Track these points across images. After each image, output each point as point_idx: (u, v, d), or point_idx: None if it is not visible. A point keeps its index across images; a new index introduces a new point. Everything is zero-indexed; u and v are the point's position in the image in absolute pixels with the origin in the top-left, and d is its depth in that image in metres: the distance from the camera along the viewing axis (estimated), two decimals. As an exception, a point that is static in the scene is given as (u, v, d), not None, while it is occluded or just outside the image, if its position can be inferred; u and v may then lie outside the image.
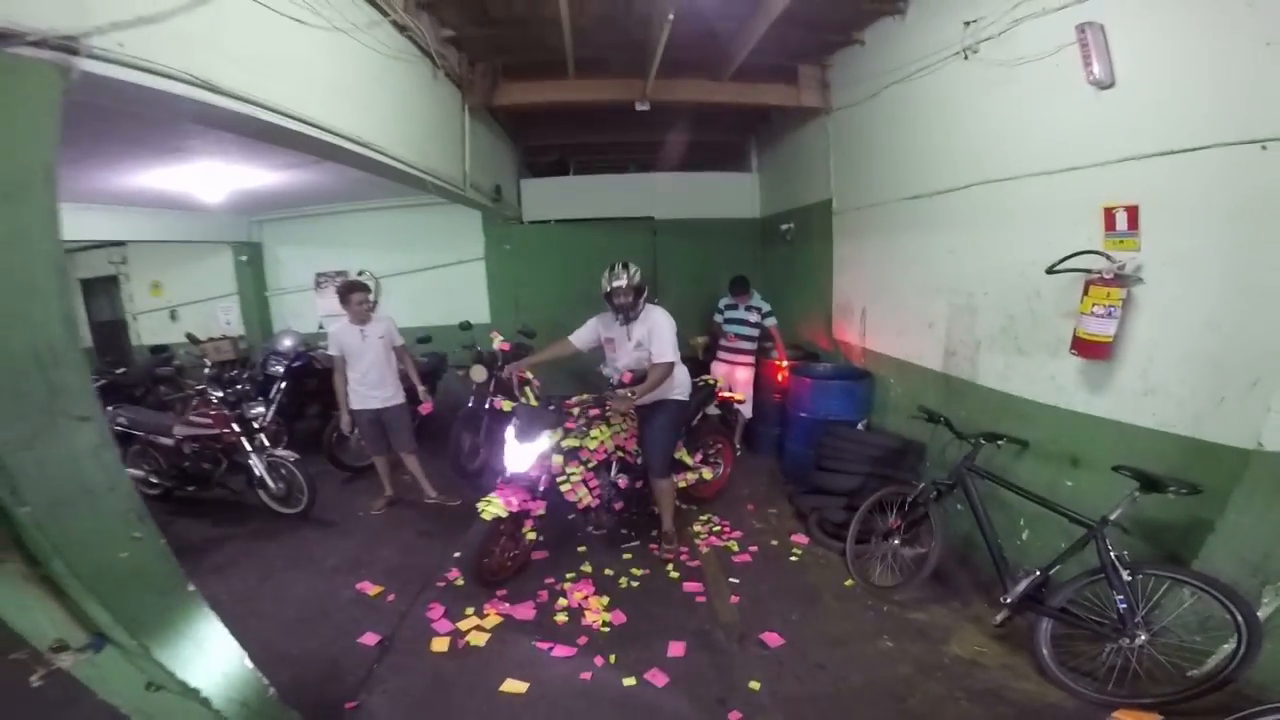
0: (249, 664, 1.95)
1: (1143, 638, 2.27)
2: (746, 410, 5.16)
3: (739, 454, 5.02)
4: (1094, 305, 2.45)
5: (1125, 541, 2.38)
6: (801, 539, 3.83)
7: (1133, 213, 2.42)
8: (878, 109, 4.27)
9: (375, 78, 3.26)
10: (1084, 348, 2.53)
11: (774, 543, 3.81)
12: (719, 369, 5.20)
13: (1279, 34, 1.94)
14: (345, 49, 2.89)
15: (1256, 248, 2.06)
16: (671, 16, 3.37)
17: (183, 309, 8.04)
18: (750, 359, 5.22)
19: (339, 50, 2.84)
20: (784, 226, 6.19)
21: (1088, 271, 2.53)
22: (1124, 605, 2.27)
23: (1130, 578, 2.26)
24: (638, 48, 4.29)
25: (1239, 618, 2.05)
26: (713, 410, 4.50)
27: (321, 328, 6.58)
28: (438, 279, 7.30)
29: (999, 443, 2.91)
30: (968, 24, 3.19)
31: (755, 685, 2.55)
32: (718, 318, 5.39)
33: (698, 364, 5.38)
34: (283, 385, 5.12)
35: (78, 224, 5.85)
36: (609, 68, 4.83)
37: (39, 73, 1.37)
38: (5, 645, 1.50)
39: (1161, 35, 2.32)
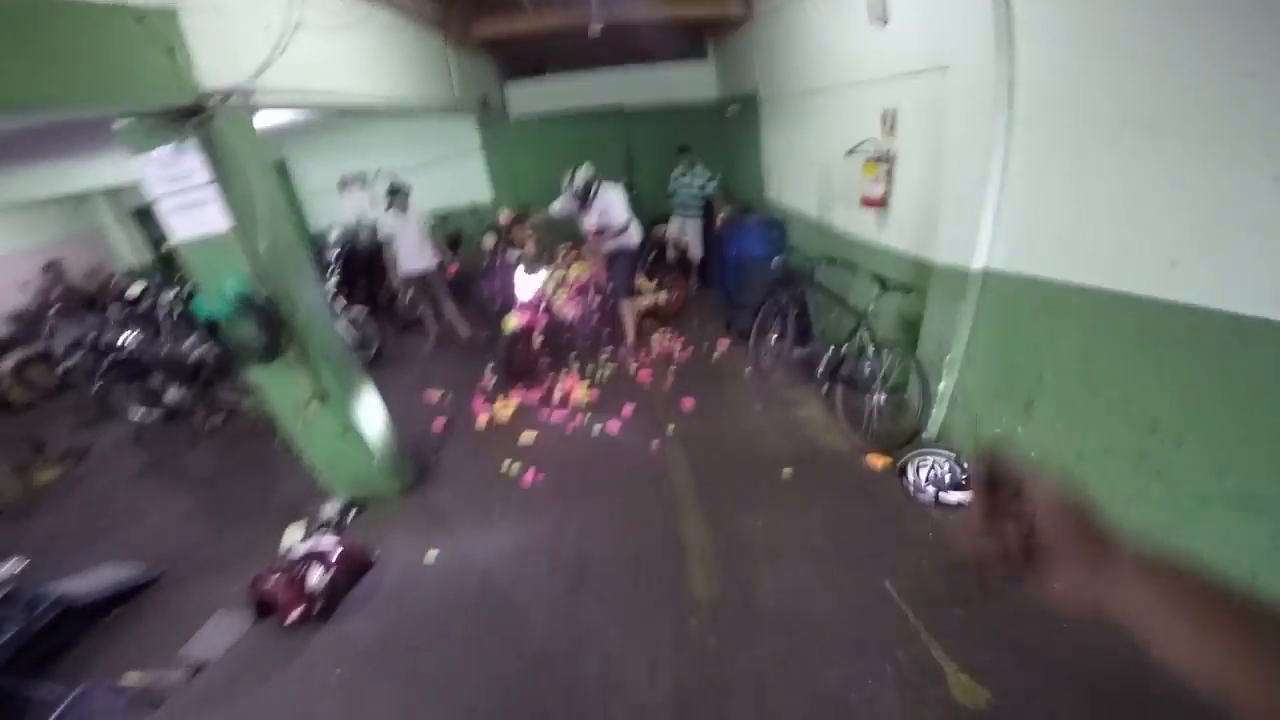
0: (387, 420, 3.70)
1: (881, 396, 3.65)
2: (696, 252, 6.64)
3: (694, 287, 6.57)
4: (869, 175, 3.75)
5: (889, 329, 3.82)
6: (724, 344, 5.43)
7: (894, 115, 3.61)
8: (780, 20, 5.23)
9: (382, 47, 4.46)
10: (867, 202, 3.87)
11: (705, 347, 5.45)
12: (674, 223, 6.58)
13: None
14: (359, 37, 4.03)
15: (938, 138, 3.21)
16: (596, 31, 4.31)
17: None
18: (698, 214, 6.56)
19: (356, 39, 3.99)
20: (729, 109, 7.19)
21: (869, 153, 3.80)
22: (869, 371, 3.70)
23: (874, 351, 3.69)
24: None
25: (921, 383, 3.42)
26: (671, 253, 6.03)
27: (359, 221, 7.87)
28: (446, 169, 8.44)
29: (835, 263, 4.29)
30: None
31: (671, 428, 4.23)
32: (672, 185, 6.65)
33: (658, 221, 6.77)
34: (338, 265, 6.66)
35: (127, 167, 6.92)
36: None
37: (246, 112, 2.77)
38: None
39: None
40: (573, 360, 5.33)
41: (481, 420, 4.66)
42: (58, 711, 2.47)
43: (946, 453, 3.26)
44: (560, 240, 5.54)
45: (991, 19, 2.69)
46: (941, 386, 3.45)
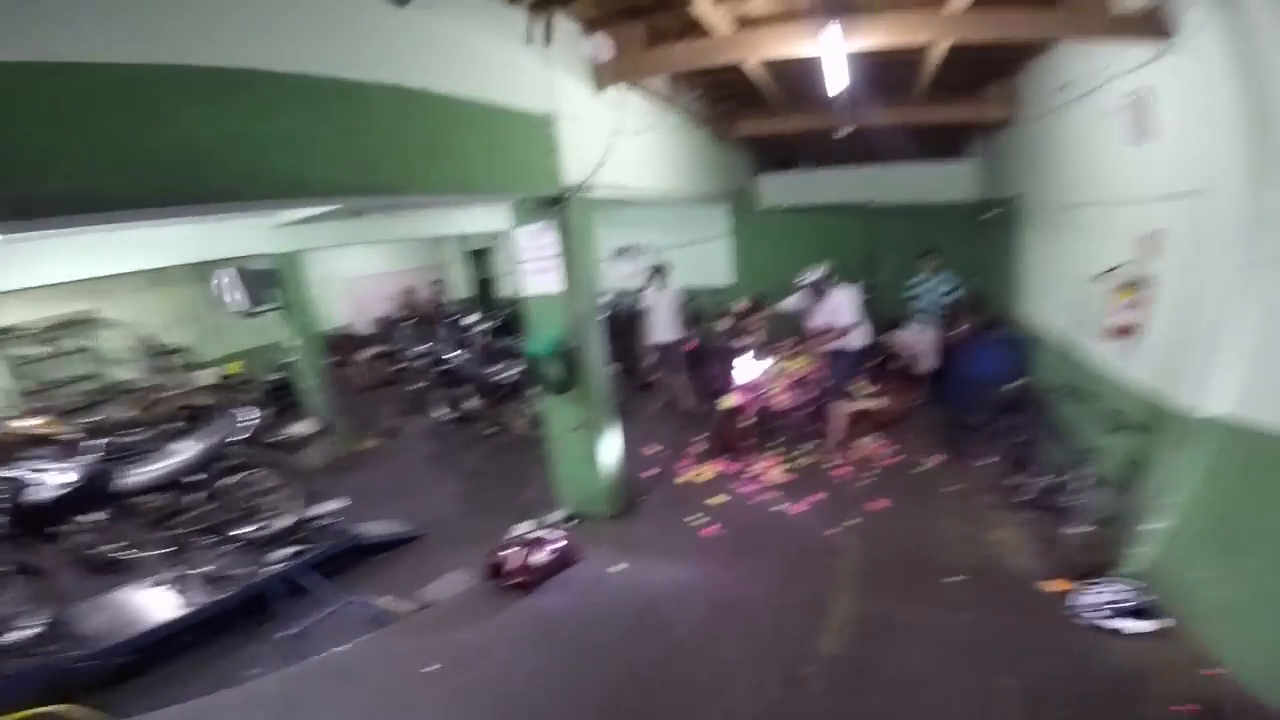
0: (619, 458, 4.59)
1: (1085, 528, 3.47)
2: (928, 363, 6.55)
3: (921, 399, 6.47)
4: (1120, 303, 3.63)
5: (1114, 465, 3.55)
6: (936, 459, 5.31)
7: (1153, 240, 3.46)
8: (1042, 129, 5.23)
9: (669, 146, 5.72)
10: (1116, 331, 3.71)
11: (915, 458, 5.40)
12: (908, 330, 6.64)
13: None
14: (654, 138, 5.29)
15: (1191, 270, 3.10)
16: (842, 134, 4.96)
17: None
18: (937, 322, 6.53)
19: (652, 140, 5.24)
20: (989, 214, 7.06)
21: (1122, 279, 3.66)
22: (1079, 502, 3.52)
23: (1090, 485, 3.50)
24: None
25: (1130, 521, 3.21)
26: (896, 362, 6.15)
27: (623, 288, 9.36)
28: (696, 251, 9.45)
29: (1070, 394, 4.09)
30: (1061, 87, 4.22)
31: (853, 521, 4.38)
32: (913, 289, 6.78)
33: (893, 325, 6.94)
34: (604, 326, 8.10)
35: (472, 220, 9.13)
36: (813, 105, 6.09)
37: (589, 201, 4.03)
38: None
39: (1177, 107, 3.21)
40: (777, 444, 5.72)
41: (683, 477, 5.33)
42: (329, 608, 3.65)
43: (1131, 583, 3.12)
44: (787, 334, 6.05)
45: (1247, 146, 2.66)
46: (1152, 526, 3.19)
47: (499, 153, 3.50)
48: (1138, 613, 3.02)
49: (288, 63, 2.36)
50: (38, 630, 3.42)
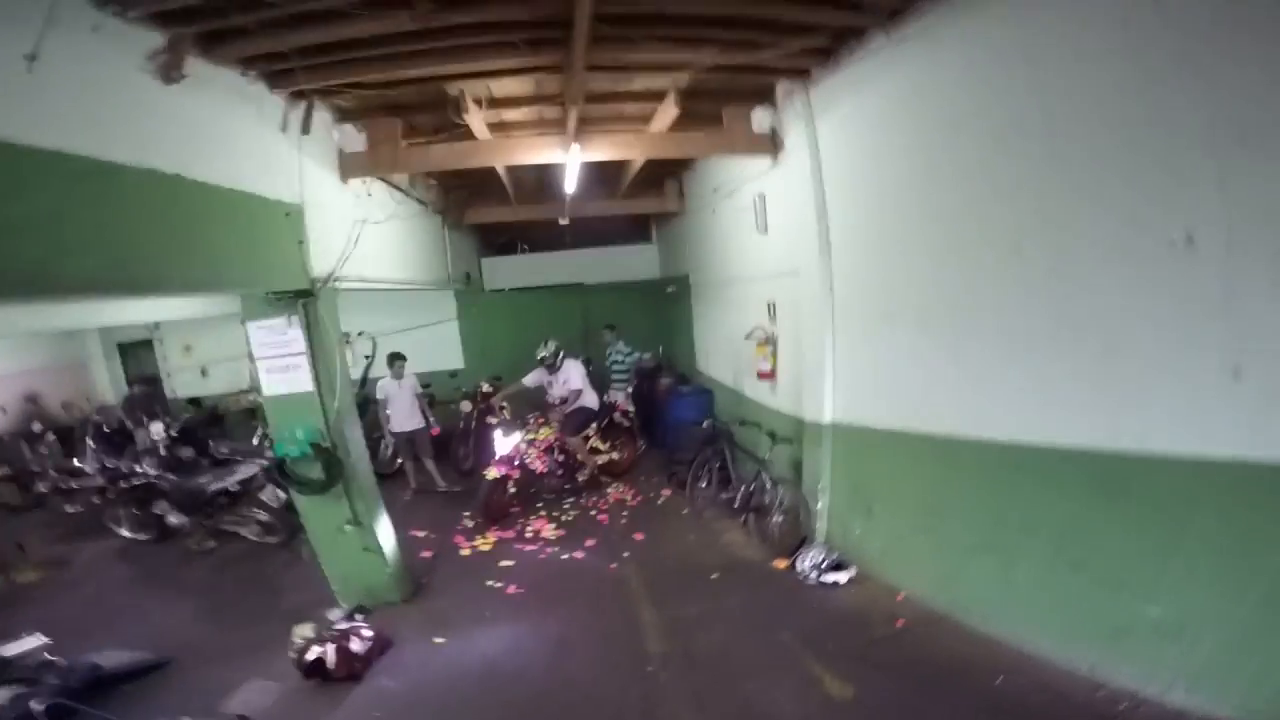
0: (396, 542, 4.59)
1: (779, 518, 4.95)
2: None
3: (642, 448, 7.80)
4: (760, 354, 5.31)
5: (783, 469, 5.13)
6: (667, 492, 6.59)
7: (774, 306, 5.23)
8: (703, 218, 7.11)
9: (408, 236, 6.00)
10: (761, 375, 5.38)
11: (652, 495, 6.60)
12: (614, 395, 7.99)
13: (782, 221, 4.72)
14: (393, 228, 5.51)
15: (799, 324, 4.78)
16: (565, 221, 6.16)
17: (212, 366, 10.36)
18: (624, 384, 8.07)
19: (392, 230, 5.46)
20: (668, 289, 9.05)
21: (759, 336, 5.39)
22: (769, 500, 5.02)
23: (771, 487, 5.02)
24: (558, 188, 6.55)
25: (805, 505, 4.77)
26: (620, 419, 7.35)
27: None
28: (423, 335, 9.27)
29: (743, 424, 5.71)
30: (714, 189, 6.09)
31: (625, 554, 5.22)
32: (606, 359, 8.22)
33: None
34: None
35: (122, 310, 7.45)
36: (541, 197, 7.48)
37: (334, 293, 4.06)
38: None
39: (783, 207, 4.93)
40: (539, 507, 6.34)
41: (465, 551, 5.51)
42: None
43: (824, 546, 4.54)
44: (528, 408, 6.77)
45: (816, 239, 4.38)
46: (819, 506, 4.70)
47: (253, 245, 3.41)
48: (837, 567, 4.26)
49: (40, 136, 2.15)
50: None
